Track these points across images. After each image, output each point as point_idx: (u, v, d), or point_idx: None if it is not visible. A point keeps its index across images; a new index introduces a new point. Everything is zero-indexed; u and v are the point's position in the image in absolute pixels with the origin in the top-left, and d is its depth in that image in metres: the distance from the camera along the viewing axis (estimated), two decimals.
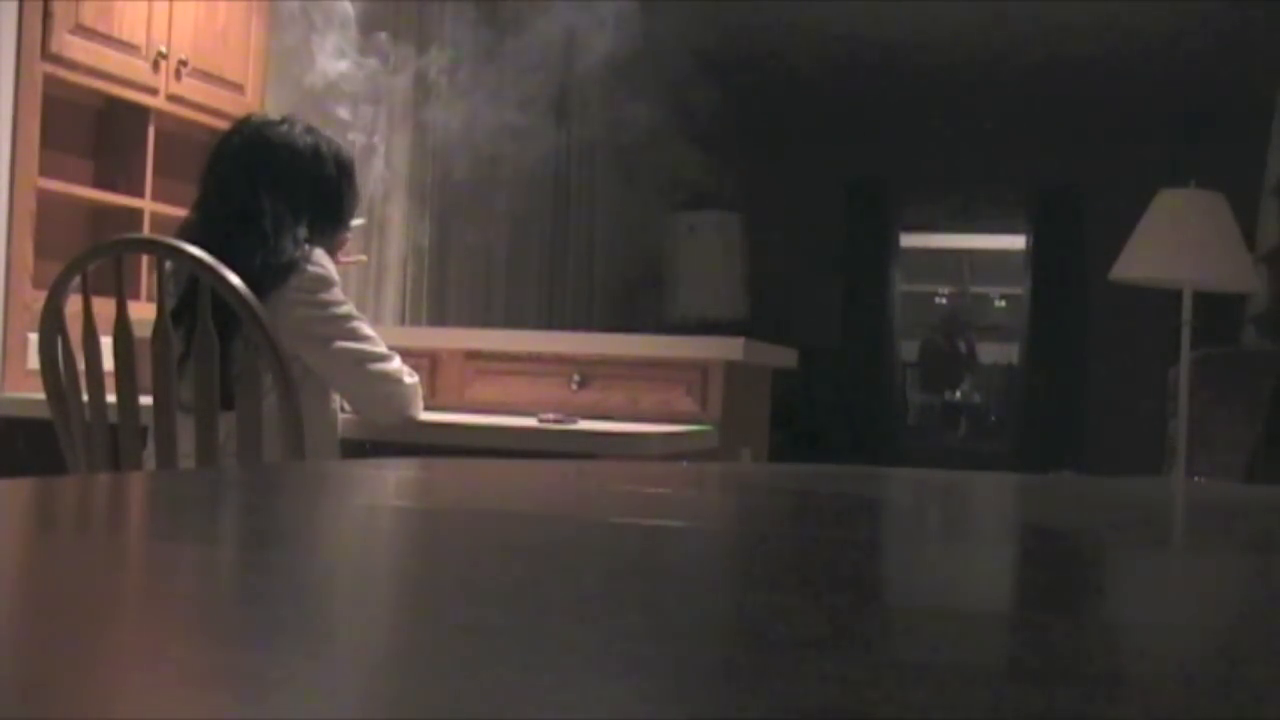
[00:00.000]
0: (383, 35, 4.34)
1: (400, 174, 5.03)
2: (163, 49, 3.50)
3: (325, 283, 2.31)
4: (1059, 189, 9.12)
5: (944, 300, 10.50)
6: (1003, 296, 10.35)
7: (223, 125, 2.92)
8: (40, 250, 3.22)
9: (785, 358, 3.39)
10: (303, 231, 2.33)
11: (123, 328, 2.16)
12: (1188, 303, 3.93)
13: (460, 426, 2.59)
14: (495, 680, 0.39)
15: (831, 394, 9.00)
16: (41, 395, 2.32)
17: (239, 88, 3.76)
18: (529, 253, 6.31)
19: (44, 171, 3.25)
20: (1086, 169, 8.76)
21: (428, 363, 3.01)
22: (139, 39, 3.44)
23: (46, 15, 3.17)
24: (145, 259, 3.26)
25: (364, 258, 2.72)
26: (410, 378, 2.43)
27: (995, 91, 7.97)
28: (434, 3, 4.99)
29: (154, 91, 3.51)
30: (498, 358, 3.06)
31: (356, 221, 2.53)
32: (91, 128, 3.57)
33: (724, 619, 0.54)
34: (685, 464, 2.28)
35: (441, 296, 5.44)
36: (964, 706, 0.39)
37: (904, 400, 10.12)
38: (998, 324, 10.21)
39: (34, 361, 2.44)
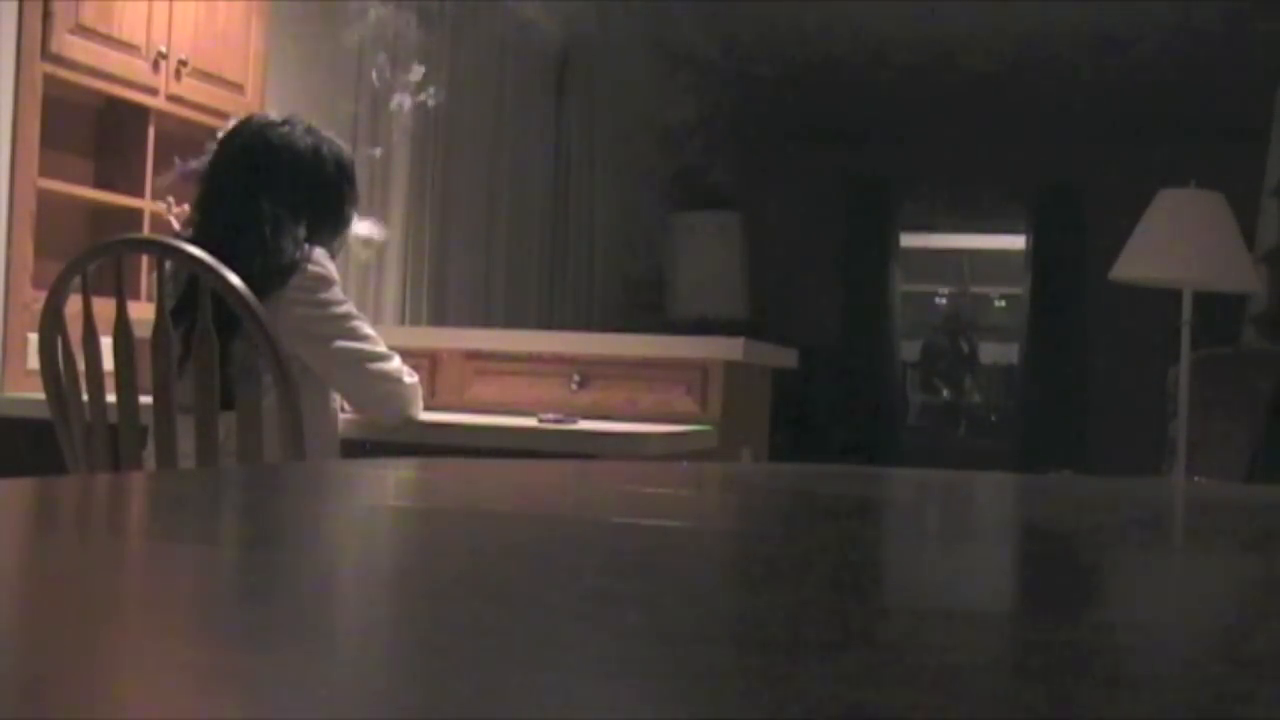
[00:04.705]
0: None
1: (401, 172, 5.03)
2: (163, 49, 3.50)
3: (325, 282, 2.32)
4: (1059, 189, 9.11)
5: (944, 300, 10.50)
6: (1003, 296, 10.35)
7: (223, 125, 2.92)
8: (40, 250, 3.22)
9: (785, 358, 3.39)
10: (302, 232, 2.34)
11: (123, 328, 2.16)
12: (1188, 303, 3.93)
13: (460, 426, 2.59)
14: (495, 680, 0.39)
15: (831, 394, 9.00)
16: (41, 395, 2.32)
17: (239, 88, 3.76)
18: (529, 253, 6.31)
19: (44, 171, 3.25)
20: (1086, 169, 8.76)
21: (428, 363, 3.01)
22: (139, 39, 3.44)
23: (46, 15, 3.17)
24: (145, 259, 3.26)
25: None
26: (410, 377, 2.43)
27: (995, 91, 7.97)
28: (435, 2, 4.99)
29: (154, 91, 3.51)
30: (498, 358, 3.06)
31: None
32: (91, 128, 3.57)
33: (724, 619, 0.54)
34: (685, 464, 2.28)
35: (441, 296, 5.44)
36: (964, 706, 0.39)
37: (904, 400, 10.11)
38: (998, 324, 10.21)
39: (34, 361, 2.44)
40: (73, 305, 2.23)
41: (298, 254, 2.30)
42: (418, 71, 3.66)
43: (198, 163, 2.57)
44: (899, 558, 0.83)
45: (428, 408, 2.58)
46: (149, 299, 3.12)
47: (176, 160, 3.25)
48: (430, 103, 3.69)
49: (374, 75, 3.95)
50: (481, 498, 1.08)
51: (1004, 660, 0.48)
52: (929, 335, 10.34)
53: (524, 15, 5.58)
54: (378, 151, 4.52)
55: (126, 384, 2.17)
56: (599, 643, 0.47)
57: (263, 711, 0.35)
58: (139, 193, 3.53)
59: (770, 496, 1.22)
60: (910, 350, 10.16)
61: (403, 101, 3.62)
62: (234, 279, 2.13)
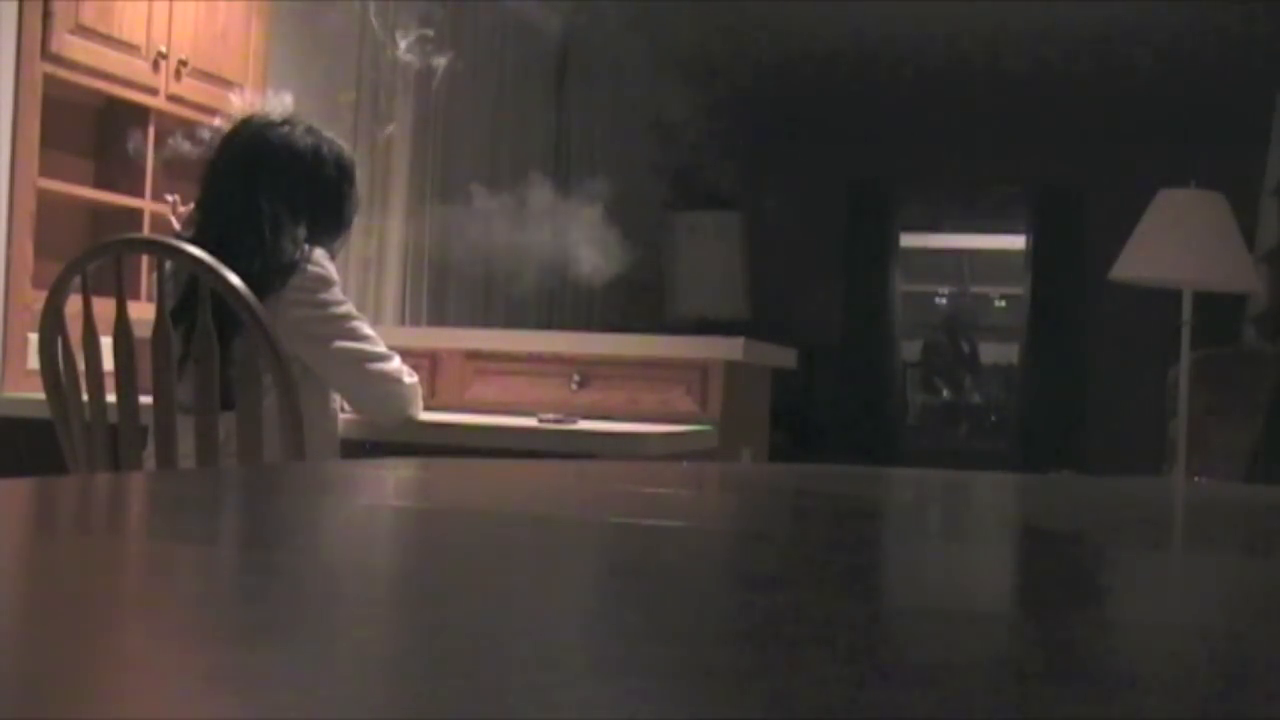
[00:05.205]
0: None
1: (400, 173, 5.03)
2: (163, 49, 3.50)
3: (325, 283, 2.31)
4: (1059, 189, 9.11)
5: (944, 300, 10.49)
6: (1003, 296, 10.35)
7: (224, 110, 2.93)
8: (40, 250, 3.22)
9: (785, 358, 3.39)
10: (301, 232, 2.33)
11: (123, 328, 2.16)
12: (1188, 303, 3.93)
13: (460, 426, 2.59)
14: (495, 680, 0.39)
15: (831, 394, 9.00)
16: (41, 395, 2.32)
17: (239, 88, 3.76)
18: (529, 252, 6.30)
19: (44, 171, 3.25)
20: (1086, 169, 8.76)
21: (428, 363, 3.01)
22: (139, 39, 3.44)
23: (46, 15, 3.17)
24: (145, 259, 3.26)
25: None
26: (410, 377, 2.43)
27: (995, 91, 7.97)
28: (435, 1, 4.99)
29: (154, 91, 3.51)
30: (498, 358, 3.06)
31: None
32: (91, 128, 3.57)
33: (724, 619, 0.54)
34: (685, 464, 2.28)
35: (441, 296, 5.44)
36: (964, 706, 0.39)
37: (904, 400, 10.11)
38: (998, 324, 10.21)
39: (34, 361, 2.45)
40: (73, 305, 2.23)
41: (297, 254, 2.30)
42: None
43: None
44: (899, 558, 0.83)
45: (428, 408, 2.58)
46: (149, 299, 3.12)
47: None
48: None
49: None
50: (481, 498, 1.08)
51: (1004, 660, 0.48)
52: (929, 335, 10.34)
53: (523, 16, 5.58)
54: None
55: (126, 384, 2.17)
56: (599, 643, 0.46)
57: (263, 711, 0.35)
58: (139, 193, 3.53)
59: (770, 496, 1.22)
60: (910, 350, 10.16)
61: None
62: (234, 279, 2.13)
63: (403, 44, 3.76)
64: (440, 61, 4.26)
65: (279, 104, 3.01)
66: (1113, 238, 4.31)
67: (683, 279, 7.64)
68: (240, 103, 3.37)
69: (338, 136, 2.51)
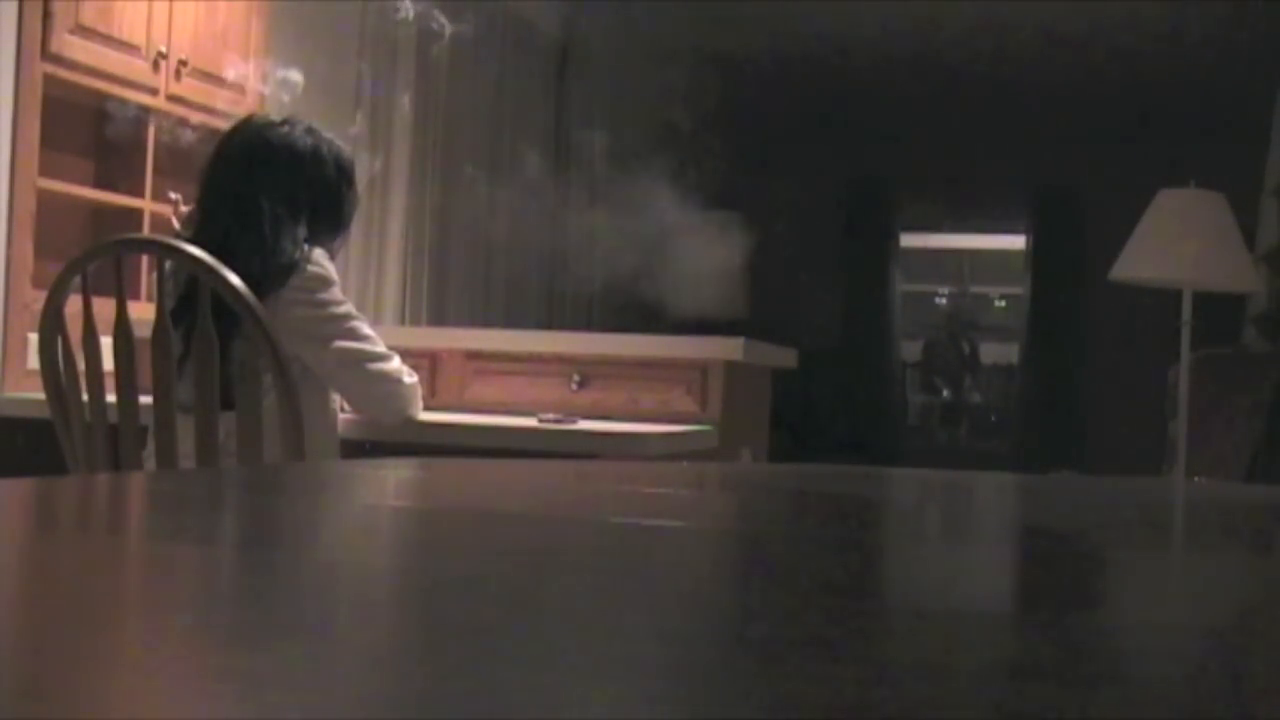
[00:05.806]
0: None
1: (401, 171, 5.03)
2: (163, 49, 3.49)
3: (324, 282, 2.31)
4: (1059, 189, 9.11)
5: (944, 300, 10.50)
6: (1003, 296, 10.35)
7: (223, 125, 2.92)
8: (40, 250, 3.22)
9: (785, 358, 3.39)
10: (302, 232, 2.34)
11: (123, 328, 2.16)
12: (1188, 303, 3.93)
13: (460, 426, 2.59)
14: (495, 680, 0.39)
15: (831, 394, 9.00)
16: (41, 395, 2.32)
17: (239, 88, 3.76)
18: (529, 252, 6.31)
19: (44, 171, 3.25)
20: (1086, 169, 8.76)
21: (428, 363, 3.01)
22: (139, 39, 3.44)
23: (46, 15, 3.17)
24: (145, 259, 3.26)
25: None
26: (410, 377, 2.43)
27: (995, 91, 7.97)
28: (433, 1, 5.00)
29: (154, 91, 3.51)
30: (498, 358, 3.06)
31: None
32: (91, 128, 3.57)
33: (724, 619, 0.54)
34: (685, 464, 2.28)
35: (441, 296, 5.44)
36: (964, 706, 0.39)
37: (904, 400, 10.12)
38: (998, 324, 10.22)
39: (34, 361, 2.44)
40: (73, 305, 2.23)
41: (297, 254, 2.30)
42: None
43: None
44: (899, 558, 0.83)
45: (428, 408, 2.58)
46: (149, 299, 3.12)
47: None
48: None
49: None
50: (481, 498, 1.08)
51: (1003, 660, 0.48)
52: (929, 335, 10.34)
53: (522, 15, 5.57)
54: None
55: (126, 384, 2.17)
56: (599, 643, 0.46)
57: (263, 711, 0.35)
58: (139, 193, 3.53)
59: (770, 496, 1.22)
60: (910, 350, 10.16)
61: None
62: (234, 279, 2.13)
63: (402, 34, 3.76)
64: (440, 62, 4.26)
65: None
66: (1113, 238, 4.31)
67: (683, 279, 7.63)
68: (239, 92, 3.36)
69: (337, 136, 2.51)
